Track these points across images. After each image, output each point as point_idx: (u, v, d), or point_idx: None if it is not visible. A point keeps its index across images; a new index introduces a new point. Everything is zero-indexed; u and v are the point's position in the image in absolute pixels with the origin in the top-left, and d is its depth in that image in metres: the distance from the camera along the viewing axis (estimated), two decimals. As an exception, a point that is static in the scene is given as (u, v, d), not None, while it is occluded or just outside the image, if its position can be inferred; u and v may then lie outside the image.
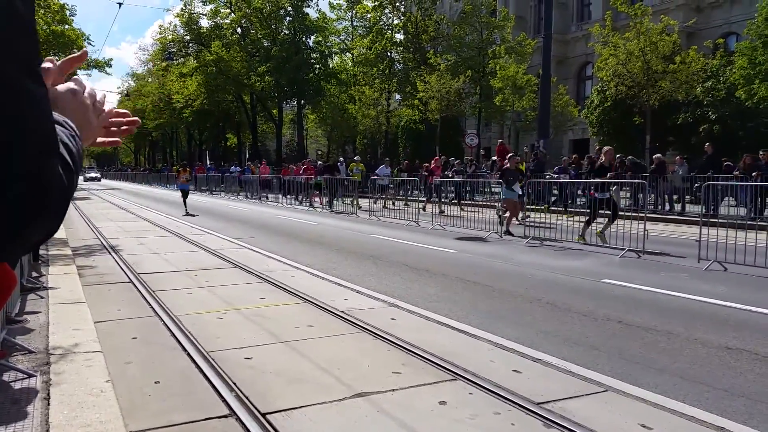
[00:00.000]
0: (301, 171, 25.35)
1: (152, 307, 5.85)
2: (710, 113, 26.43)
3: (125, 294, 6.57)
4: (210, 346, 4.50)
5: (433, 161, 22.44)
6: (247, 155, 54.61)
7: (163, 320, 5.34)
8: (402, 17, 40.72)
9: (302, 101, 49.00)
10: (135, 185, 53.68)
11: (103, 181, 70.36)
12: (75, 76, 0.91)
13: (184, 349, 4.49)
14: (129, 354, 4.44)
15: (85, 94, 0.87)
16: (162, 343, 4.74)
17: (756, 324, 5.45)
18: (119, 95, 76.56)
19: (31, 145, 0.58)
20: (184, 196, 19.98)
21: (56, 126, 0.71)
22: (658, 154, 19.23)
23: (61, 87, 0.84)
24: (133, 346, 4.65)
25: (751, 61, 22.29)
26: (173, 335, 4.88)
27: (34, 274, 6.80)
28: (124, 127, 1.04)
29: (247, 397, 3.52)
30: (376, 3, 41.22)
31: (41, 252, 8.44)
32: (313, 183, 22.74)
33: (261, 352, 4.45)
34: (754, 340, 4.86)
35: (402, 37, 41.08)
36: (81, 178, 64.81)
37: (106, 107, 0.94)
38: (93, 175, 71.33)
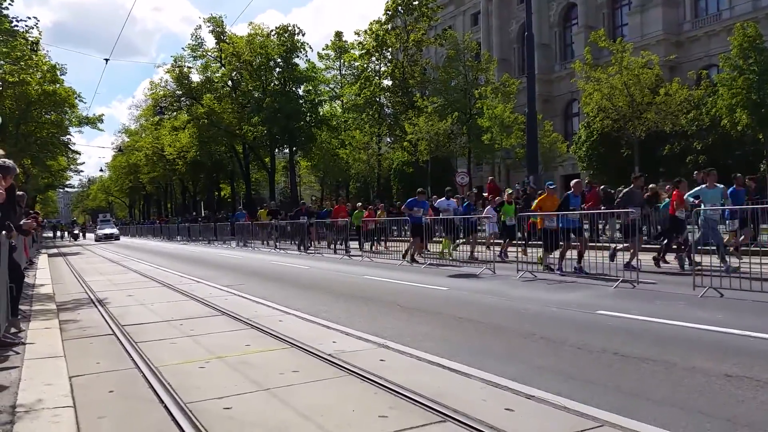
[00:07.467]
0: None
1: (133, 359, 5.63)
2: (696, 143, 26.69)
3: (107, 347, 6.35)
4: (189, 397, 4.29)
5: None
6: (242, 204, 54.65)
7: (142, 372, 5.13)
8: (389, 64, 41.48)
9: (294, 148, 49.40)
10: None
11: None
12: None
13: (162, 402, 4.28)
14: (103, 408, 4.22)
15: None
16: (139, 395, 4.53)
17: (757, 350, 5.28)
18: (113, 151, 76.85)
19: None
20: None
21: None
22: (652, 184, 19.22)
23: None
24: (108, 400, 4.44)
25: (730, 90, 22.68)
26: (152, 387, 4.66)
27: (13, 330, 6.58)
28: None
29: (223, 449, 3.31)
30: (363, 51, 42.08)
31: (24, 308, 8.23)
32: None
33: (242, 402, 4.25)
34: (755, 367, 4.69)
35: (389, 82, 41.76)
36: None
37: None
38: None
